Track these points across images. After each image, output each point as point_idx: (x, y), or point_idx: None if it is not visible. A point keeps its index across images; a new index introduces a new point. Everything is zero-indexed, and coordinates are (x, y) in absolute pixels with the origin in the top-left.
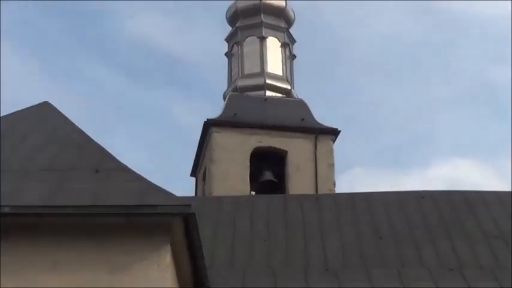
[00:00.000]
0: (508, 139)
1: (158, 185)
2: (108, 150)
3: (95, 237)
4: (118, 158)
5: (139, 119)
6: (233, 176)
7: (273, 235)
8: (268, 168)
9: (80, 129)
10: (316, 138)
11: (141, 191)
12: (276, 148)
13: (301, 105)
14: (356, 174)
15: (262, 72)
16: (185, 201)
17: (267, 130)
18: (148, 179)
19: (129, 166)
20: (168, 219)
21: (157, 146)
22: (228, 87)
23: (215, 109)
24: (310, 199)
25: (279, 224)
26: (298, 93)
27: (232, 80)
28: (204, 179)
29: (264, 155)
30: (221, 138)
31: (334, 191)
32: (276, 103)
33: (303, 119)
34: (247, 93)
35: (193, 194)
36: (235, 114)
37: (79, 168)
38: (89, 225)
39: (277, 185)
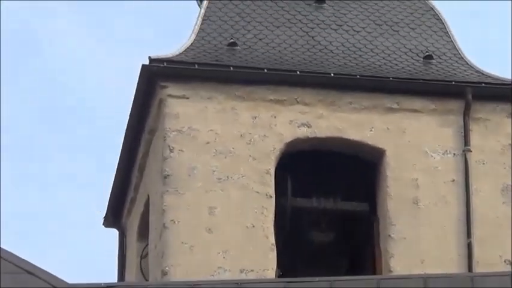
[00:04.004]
0: None
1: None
2: None
3: None
4: None
5: None
6: (233, 225)
7: None
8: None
9: None
10: (467, 103)
11: None
12: (348, 143)
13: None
14: None
15: None
16: None
17: (324, 90)
18: None
19: None
20: None
21: None
22: None
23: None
24: None
25: None
26: None
27: None
28: (142, 235)
29: (314, 166)
30: (189, 113)
31: None
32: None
33: (428, 56)
34: None
35: (115, 277)
36: (232, 41)
37: None
38: None
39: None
